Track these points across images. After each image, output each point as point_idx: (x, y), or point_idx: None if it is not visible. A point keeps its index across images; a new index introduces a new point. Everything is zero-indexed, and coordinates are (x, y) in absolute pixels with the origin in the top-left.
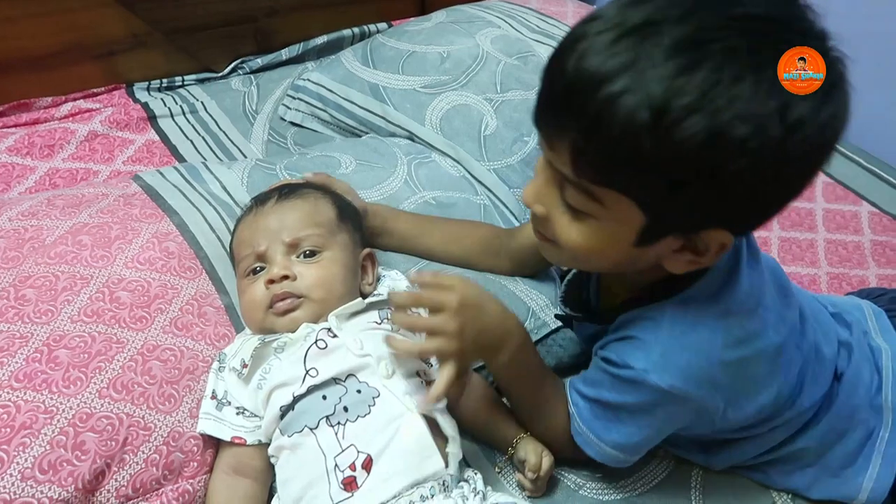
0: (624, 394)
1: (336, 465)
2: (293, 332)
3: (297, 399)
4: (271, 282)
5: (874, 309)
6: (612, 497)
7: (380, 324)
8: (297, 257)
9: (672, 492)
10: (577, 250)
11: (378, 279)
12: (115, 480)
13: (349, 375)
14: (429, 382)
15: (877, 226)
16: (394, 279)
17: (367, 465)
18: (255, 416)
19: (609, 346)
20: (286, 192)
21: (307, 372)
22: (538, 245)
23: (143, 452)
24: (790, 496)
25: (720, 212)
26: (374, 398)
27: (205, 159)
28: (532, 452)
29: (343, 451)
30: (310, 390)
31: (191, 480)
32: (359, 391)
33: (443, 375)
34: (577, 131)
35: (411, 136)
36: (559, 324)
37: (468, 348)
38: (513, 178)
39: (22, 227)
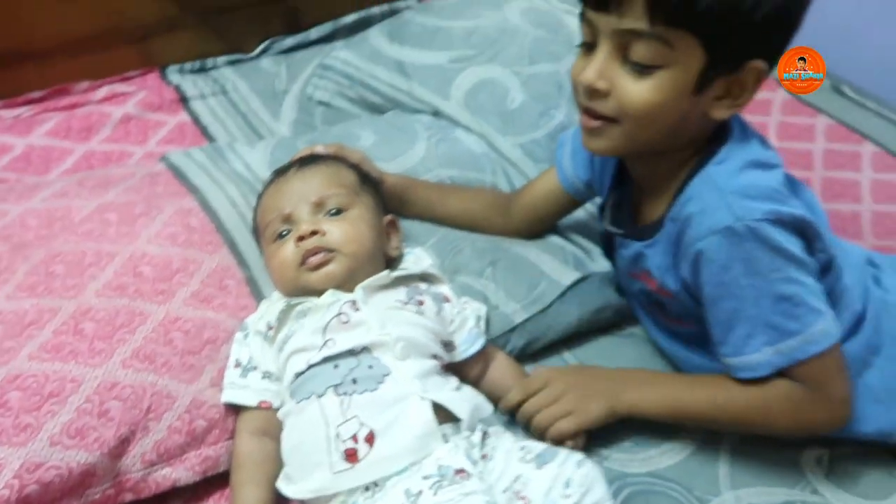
0: (756, 273)
1: (338, 434)
2: (319, 295)
3: (310, 367)
4: (301, 238)
5: None
6: (637, 469)
7: (406, 303)
8: (324, 215)
9: (698, 468)
10: (644, 108)
11: (401, 256)
12: (140, 446)
13: (364, 349)
14: (444, 366)
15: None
16: (418, 256)
17: (370, 439)
18: (280, 379)
19: (684, 253)
20: (306, 161)
21: (325, 342)
22: (583, 139)
23: (167, 420)
24: (827, 456)
25: (760, 39)
26: (384, 376)
27: (235, 139)
28: None
29: (346, 421)
30: (325, 360)
31: (213, 447)
32: (370, 366)
33: (568, 426)
34: None
35: (437, 112)
36: (574, 278)
37: (587, 392)
38: (538, 152)
39: (53, 206)
